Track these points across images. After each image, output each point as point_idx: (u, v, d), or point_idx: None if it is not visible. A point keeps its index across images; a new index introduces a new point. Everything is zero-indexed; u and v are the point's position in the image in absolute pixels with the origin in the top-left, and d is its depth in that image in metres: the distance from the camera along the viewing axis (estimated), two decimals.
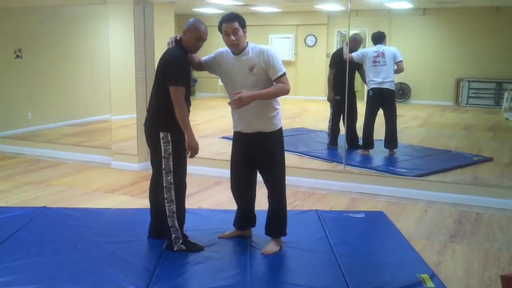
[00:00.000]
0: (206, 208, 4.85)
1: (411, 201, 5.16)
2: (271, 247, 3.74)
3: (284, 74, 3.50)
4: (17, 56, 8.18)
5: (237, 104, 3.39)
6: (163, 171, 3.60)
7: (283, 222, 3.80)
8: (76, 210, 4.67)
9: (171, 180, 3.62)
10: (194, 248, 3.74)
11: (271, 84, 3.51)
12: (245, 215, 3.94)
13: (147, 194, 5.31)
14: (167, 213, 3.65)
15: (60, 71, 8.86)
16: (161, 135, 3.56)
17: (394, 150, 6.75)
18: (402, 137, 7.31)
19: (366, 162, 6.45)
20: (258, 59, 3.48)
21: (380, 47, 6.60)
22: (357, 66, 6.79)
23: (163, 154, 3.57)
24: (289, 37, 13.18)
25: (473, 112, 10.85)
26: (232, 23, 3.45)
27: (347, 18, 6.30)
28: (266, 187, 3.78)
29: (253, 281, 3.27)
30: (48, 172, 6.28)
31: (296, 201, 5.14)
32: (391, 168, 6.10)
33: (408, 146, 7.34)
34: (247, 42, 3.57)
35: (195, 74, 14.20)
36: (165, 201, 3.64)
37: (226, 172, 5.75)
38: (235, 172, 3.84)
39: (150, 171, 6.15)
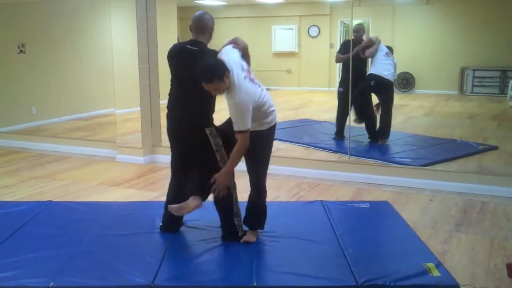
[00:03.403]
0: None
1: (416, 190, 5.15)
2: (249, 236, 3.75)
3: (239, 131, 3.37)
4: (21, 51, 8.19)
5: (219, 186, 3.49)
6: (220, 163, 3.61)
7: (260, 216, 3.79)
8: (81, 204, 4.68)
9: None
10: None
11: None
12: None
13: (152, 187, 5.37)
14: (234, 205, 3.74)
15: (63, 65, 8.87)
16: (208, 131, 3.58)
17: (386, 140, 6.84)
18: (407, 127, 7.30)
19: (371, 153, 6.44)
20: (229, 106, 3.43)
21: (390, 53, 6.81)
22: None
23: (214, 148, 3.59)
24: (292, 28, 13.13)
25: (477, 101, 10.80)
26: (209, 85, 3.32)
27: (350, 8, 6.28)
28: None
29: (259, 272, 3.27)
30: (53, 167, 6.31)
31: (301, 192, 5.14)
32: (396, 158, 6.10)
33: (413, 135, 7.33)
34: (228, 82, 3.37)
35: None
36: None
37: None
38: None
39: (155, 164, 6.26)
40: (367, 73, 6.80)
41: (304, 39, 13.23)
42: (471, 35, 11.11)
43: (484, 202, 4.77)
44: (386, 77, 6.63)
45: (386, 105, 6.83)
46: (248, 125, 3.37)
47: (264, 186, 3.77)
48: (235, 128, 3.38)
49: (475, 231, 4.08)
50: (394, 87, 6.86)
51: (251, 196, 3.77)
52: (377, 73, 6.65)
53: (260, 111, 3.50)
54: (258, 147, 3.60)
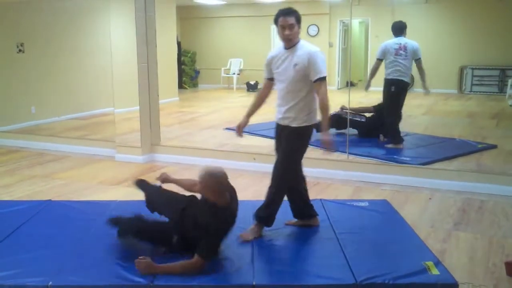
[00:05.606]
0: None
1: (415, 189, 5.16)
2: (246, 234, 3.75)
3: (322, 78, 3.56)
4: (20, 50, 8.19)
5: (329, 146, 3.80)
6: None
7: (268, 211, 3.80)
8: (81, 203, 4.68)
9: None
10: None
11: (310, 82, 3.61)
12: (292, 203, 3.99)
13: None
14: None
15: (63, 64, 8.87)
16: None
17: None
18: (406, 126, 7.29)
19: (369, 151, 6.44)
20: (303, 59, 3.56)
21: (401, 40, 6.41)
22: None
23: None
24: None
25: (476, 100, 10.82)
26: (289, 18, 3.57)
27: (349, 7, 6.28)
28: None
29: (258, 270, 3.27)
30: (52, 166, 6.31)
31: None
32: (395, 156, 6.10)
33: (412, 134, 7.33)
34: (299, 39, 3.68)
35: (198, 66, 14.18)
36: None
37: (230, 163, 5.80)
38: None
39: (154, 163, 6.26)
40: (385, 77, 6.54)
41: (303, 38, 13.18)
42: (470, 34, 11.14)
43: (483, 200, 4.78)
44: (399, 78, 6.37)
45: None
46: (324, 72, 3.57)
47: (282, 186, 3.78)
48: (319, 75, 3.54)
49: (474, 229, 4.09)
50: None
51: (268, 192, 3.81)
52: (391, 78, 6.41)
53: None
54: (293, 142, 3.77)
